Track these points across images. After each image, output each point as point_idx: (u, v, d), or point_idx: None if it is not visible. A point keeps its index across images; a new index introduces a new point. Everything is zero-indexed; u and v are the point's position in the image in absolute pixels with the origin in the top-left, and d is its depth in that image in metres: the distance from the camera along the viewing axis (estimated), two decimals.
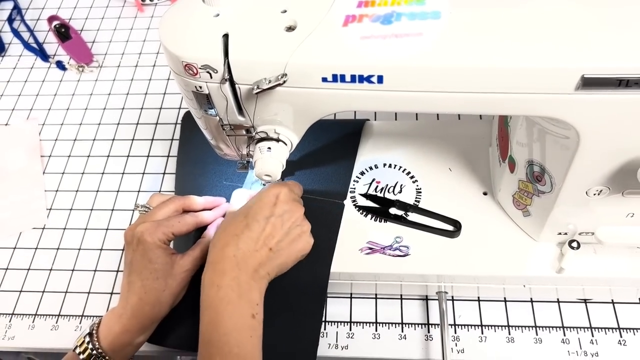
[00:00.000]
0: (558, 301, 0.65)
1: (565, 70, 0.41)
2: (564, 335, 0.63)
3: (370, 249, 0.62)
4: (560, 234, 0.59)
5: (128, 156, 0.84)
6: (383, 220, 0.65)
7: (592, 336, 0.62)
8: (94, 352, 0.54)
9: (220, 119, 0.53)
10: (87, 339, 0.55)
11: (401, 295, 0.67)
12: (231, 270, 0.52)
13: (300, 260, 0.61)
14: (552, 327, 0.63)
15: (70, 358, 0.55)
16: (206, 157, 0.73)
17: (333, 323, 0.66)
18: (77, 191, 0.81)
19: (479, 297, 0.66)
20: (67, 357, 0.56)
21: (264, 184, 0.67)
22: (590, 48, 0.41)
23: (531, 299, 0.65)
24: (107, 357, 0.54)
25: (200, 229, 0.64)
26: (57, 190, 0.81)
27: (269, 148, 0.52)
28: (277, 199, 0.57)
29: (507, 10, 0.44)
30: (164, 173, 0.81)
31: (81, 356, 0.54)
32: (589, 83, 0.41)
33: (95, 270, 0.73)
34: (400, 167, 0.69)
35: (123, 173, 0.82)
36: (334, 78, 0.45)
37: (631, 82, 0.41)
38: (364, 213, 0.65)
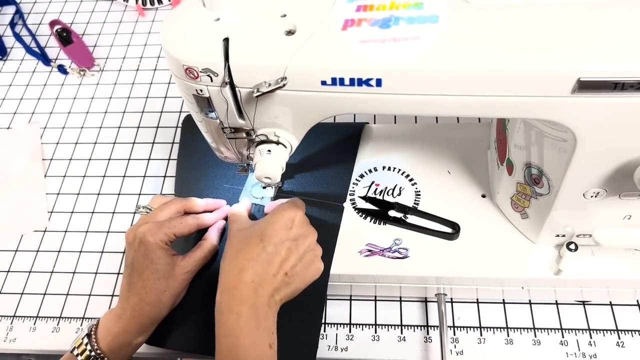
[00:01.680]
0: (556, 303, 0.65)
1: (562, 73, 0.42)
2: (563, 337, 0.63)
3: (370, 251, 0.63)
4: (558, 236, 0.60)
5: (129, 159, 0.84)
6: (382, 223, 0.65)
7: (591, 338, 0.63)
8: (92, 353, 0.54)
9: (221, 122, 0.54)
10: (85, 340, 0.55)
11: (400, 297, 0.67)
12: (249, 297, 0.50)
13: None
14: (551, 329, 0.64)
15: (67, 359, 0.55)
16: (206, 160, 0.73)
17: (333, 325, 0.66)
18: (78, 194, 0.81)
19: (477, 299, 0.66)
20: (64, 358, 0.56)
21: (264, 187, 0.68)
22: (586, 51, 0.42)
23: (530, 301, 0.66)
24: (105, 358, 0.54)
25: (201, 231, 0.64)
26: (58, 193, 0.82)
27: (269, 151, 0.53)
28: (293, 223, 0.55)
29: (504, 14, 0.44)
30: (164, 176, 0.81)
31: (79, 358, 0.54)
32: (585, 86, 0.42)
33: (96, 273, 0.73)
34: (400, 169, 0.69)
35: (124, 176, 0.83)
36: (333, 81, 0.46)
37: (627, 85, 0.41)
38: (364, 215, 0.66)
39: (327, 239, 0.64)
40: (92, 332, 0.55)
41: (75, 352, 0.54)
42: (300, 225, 0.55)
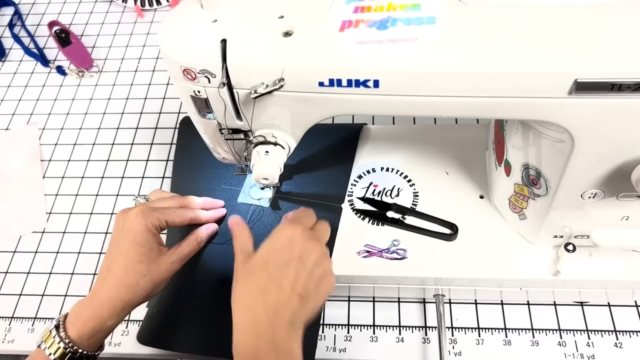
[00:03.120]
0: (554, 304, 0.65)
1: (559, 74, 0.42)
2: (561, 338, 0.63)
3: (368, 252, 0.63)
4: (556, 237, 0.60)
5: (127, 160, 0.84)
6: (380, 224, 0.65)
7: (589, 339, 0.63)
8: (61, 343, 0.51)
9: (219, 123, 0.54)
10: (54, 332, 0.52)
11: (399, 298, 0.67)
12: (265, 333, 0.46)
13: None
14: (549, 330, 0.64)
15: (36, 357, 0.52)
16: (205, 161, 0.73)
17: (331, 326, 0.66)
18: (76, 195, 0.81)
19: (476, 300, 0.66)
20: (32, 357, 0.52)
21: (262, 188, 0.68)
22: (583, 53, 0.42)
23: (528, 301, 0.66)
24: (75, 347, 0.51)
25: (191, 227, 0.64)
26: (56, 194, 0.82)
27: (267, 152, 0.53)
28: (293, 241, 0.51)
29: (501, 15, 0.44)
30: (163, 177, 0.81)
31: (47, 351, 0.51)
32: (582, 87, 0.42)
33: (94, 274, 0.73)
34: (398, 170, 0.69)
35: (122, 177, 0.83)
36: (331, 82, 0.46)
37: (623, 86, 0.41)
38: (362, 216, 0.66)
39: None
40: (61, 323, 0.52)
41: (43, 346, 0.51)
42: (302, 241, 0.51)
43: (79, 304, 0.54)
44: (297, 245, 0.50)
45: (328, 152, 0.73)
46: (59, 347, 0.51)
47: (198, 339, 0.61)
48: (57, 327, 0.52)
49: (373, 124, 0.79)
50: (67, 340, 0.51)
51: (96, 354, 0.54)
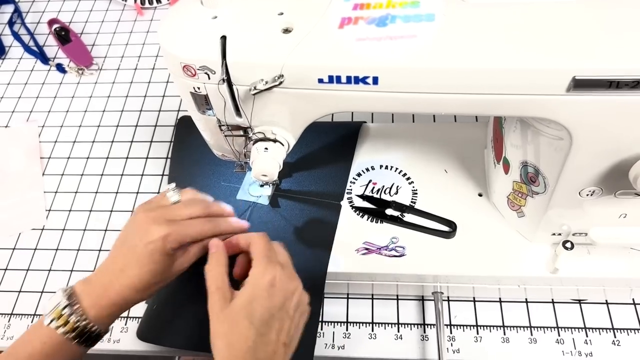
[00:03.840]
0: (552, 302, 0.66)
1: (557, 71, 0.42)
2: (559, 335, 0.63)
3: (367, 249, 0.63)
4: (554, 234, 0.60)
5: (127, 158, 0.85)
6: (379, 221, 0.65)
7: (587, 336, 0.63)
8: (79, 322, 0.50)
9: (218, 120, 0.54)
10: (67, 311, 0.51)
11: (397, 295, 0.68)
12: None
13: (298, 261, 0.62)
14: (547, 328, 0.64)
15: (42, 334, 0.51)
16: (203, 159, 0.73)
17: (330, 323, 0.66)
18: (76, 192, 0.81)
19: (474, 298, 0.66)
20: (36, 334, 0.52)
21: (261, 185, 0.68)
22: (581, 50, 0.42)
23: (526, 299, 0.66)
24: (93, 326, 0.51)
25: None
26: (56, 192, 0.82)
27: (266, 148, 0.53)
28: (275, 287, 0.50)
29: (499, 12, 0.45)
30: (162, 174, 0.82)
31: (60, 330, 0.50)
32: (580, 84, 0.42)
33: (94, 271, 0.73)
34: (397, 168, 0.69)
35: (122, 174, 0.83)
36: (330, 79, 0.46)
37: (621, 83, 0.41)
38: (361, 214, 0.66)
39: (325, 237, 0.64)
40: (74, 302, 0.52)
41: (54, 324, 0.50)
42: (282, 286, 0.50)
43: (91, 285, 0.53)
44: (278, 291, 0.50)
45: (327, 150, 0.73)
46: (77, 326, 0.51)
47: (198, 335, 0.61)
48: (69, 306, 0.51)
49: (372, 121, 0.79)
50: (85, 320, 0.51)
51: (107, 330, 0.55)
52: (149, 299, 0.56)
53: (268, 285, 0.49)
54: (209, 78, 0.48)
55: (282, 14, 0.48)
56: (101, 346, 0.66)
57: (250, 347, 0.47)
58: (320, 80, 0.46)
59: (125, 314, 0.68)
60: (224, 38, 0.47)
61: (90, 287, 0.54)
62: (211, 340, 0.48)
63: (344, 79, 0.46)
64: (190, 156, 0.76)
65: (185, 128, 0.82)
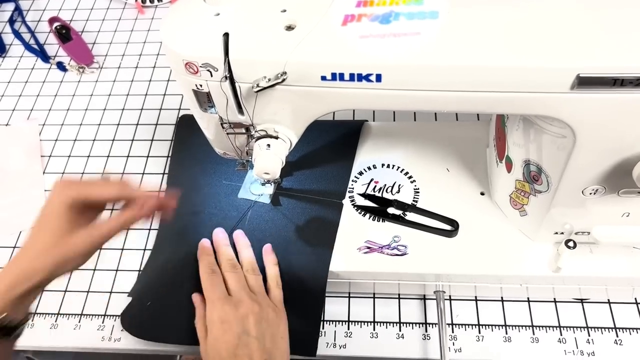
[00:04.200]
0: (555, 301, 0.65)
1: (561, 69, 0.42)
2: (561, 334, 0.63)
3: (369, 248, 0.63)
4: (556, 233, 0.60)
5: (128, 156, 0.84)
6: (381, 220, 0.65)
7: (589, 336, 0.63)
8: None
9: (220, 118, 0.54)
10: None
11: (399, 294, 0.67)
12: None
13: (300, 260, 0.62)
14: (549, 327, 0.64)
15: None
16: (204, 157, 0.73)
17: (331, 322, 0.66)
18: None
19: (476, 297, 0.66)
20: None
21: (263, 183, 0.68)
22: (585, 47, 0.42)
23: (528, 298, 0.66)
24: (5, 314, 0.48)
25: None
26: None
27: (268, 145, 0.53)
28: (225, 322, 0.55)
29: (504, 10, 0.45)
30: (163, 173, 0.81)
31: None
32: (584, 82, 0.42)
33: (94, 270, 0.73)
34: (399, 167, 0.69)
35: (123, 173, 0.82)
36: (333, 77, 0.46)
37: (626, 81, 0.41)
38: (363, 213, 0.66)
39: (326, 236, 0.64)
40: None
41: None
42: (232, 317, 0.55)
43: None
44: (231, 323, 0.55)
45: (329, 148, 0.73)
46: None
47: (188, 329, 0.61)
48: None
49: (374, 119, 0.79)
50: None
51: (22, 319, 0.51)
52: (46, 278, 0.50)
53: (220, 324, 0.55)
54: (212, 75, 0.48)
55: (285, 11, 0.48)
56: (102, 344, 0.67)
57: None
58: (323, 78, 0.46)
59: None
60: (226, 35, 0.47)
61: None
62: None
63: (347, 77, 0.45)
64: (190, 155, 0.76)
65: (185, 127, 0.82)
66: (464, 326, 0.65)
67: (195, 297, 0.61)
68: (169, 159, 0.81)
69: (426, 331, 0.65)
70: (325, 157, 0.71)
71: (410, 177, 0.68)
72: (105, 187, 0.52)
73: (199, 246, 0.64)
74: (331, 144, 0.73)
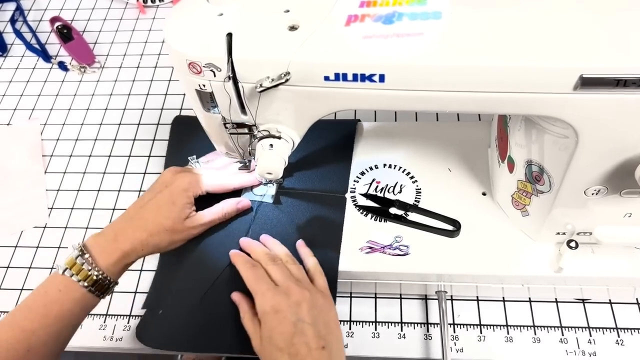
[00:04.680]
0: (556, 301, 0.65)
1: (564, 70, 0.42)
2: (562, 335, 0.63)
3: (370, 248, 0.63)
4: (558, 233, 0.60)
5: (129, 156, 0.84)
6: (383, 220, 0.65)
7: (590, 336, 0.63)
8: (92, 271, 0.55)
9: (223, 118, 0.54)
10: (80, 260, 0.55)
11: (401, 294, 0.67)
12: None
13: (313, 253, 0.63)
14: (551, 327, 0.64)
15: (57, 283, 0.55)
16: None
17: None
18: (78, 190, 0.81)
19: (478, 297, 0.66)
20: (52, 282, 0.55)
21: (265, 183, 0.68)
22: (588, 48, 0.42)
23: (529, 298, 0.66)
24: (104, 274, 0.56)
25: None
26: (58, 190, 0.82)
27: (271, 145, 0.53)
28: (279, 311, 0.53)
29: (507, 10, 0.45)
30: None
31: (74, 278, 0.54)
32: (587, 83, 0.42)
33: None
34: (400, 167, 0.69)
35: (124, 173, 0.82)
36: (336, 77, 0.46)
37: (629, 82, 0.41)
38: (364, 213, 0.66)
39: (333, 230, 0.64)
40: (85, 252, 0.56)
41: (68, 272, 0.54)
42: (285, 305, 0.54)
43: (100, 237, 0.58)
44: (285, 312, 0.53)
45: (326, 146, 0.72)
46: (89, 274, 0.55)
47: (217, 337, 0.61)
48: (81, 256, 0.55)
49: (375, 119, 0.79)
50: (96, 268, 0.55)
51: (117, 282, 0.59)
52: (158, 250, 0.61)
53: (273, 314, 0.53)
54: (215, 75, 0.48)
55: (288, 11, 0.48)
56: (103, 344, 0.67)
57: None
58: (327, 78, 0.46)
59: (127, 312, 0.68)
60: (229, 35, 0.47)
61: (101, 237, 0.58)
62: None
63: (350, 77, 0.46)
64: (189, 154, 0.76)
65: (180, 127, 0.82)
66: (465, 326, 0.65)
67: (236, 295, 0.60)
68: (165, 160, 0.80)
69: (428, 331, 0.65)
70: (323, 156, 0.71)
71: (412, 177, 0.68)
72: (217, 181, 0.65)
73: (230, 255, 0.63)
74: (327, 142, 0.73)
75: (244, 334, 0.56)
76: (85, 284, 0.54)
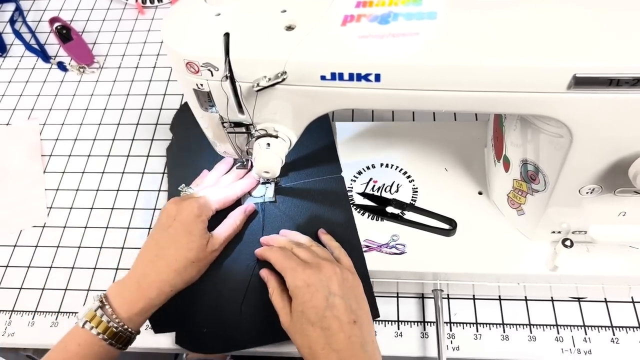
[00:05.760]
0: (552, 299, 0.66)
1: (558, 69, 0.42)
2: (558, 333, 0.64)
3: (367, 247, 0.63)
4: (554, 232, 0.60)
5: (128, 156, 0.85)
6: (380, 219, 0.66)
7: (586, 334, 0.63)
8: (112, 323, 0.53)
9: (221, 117, 0.54)
10: (100, 312, 0.53)
11: (397, 293, 0.68)
12: None
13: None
14: (546, 325, 0.64)
15: (77, 336, 0.53)
16: (205, 157, 0.73)
17: None
18: (77, 190, 0.82)
19: (474, 295, 0.67)
20: (72, 336, 0.54)
21: (263, 183, 0.68)
22: (582, 48, 0.42)
23: (525, 297, 0.66)
24: (126, 326, 0.54)
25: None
26: (57, 189, 0.82)
27: (268, 144, 0.53)
28: (310, 285, 0.53)
29: (501, 11, 0.45)
30: (163, 173, 0.82)
31: (93, 331, 0.53)
32: (580, 82, 0.42)
33: (94, 268, 0.73)
34: (397, 166, 0.70)
35: (123, 172, 0.83)
36: (333, 76, 0.46)
37: (622, 81, 0.42)
38: (361, 211, 0.66)
39: (342, 207, 0.66)
40: (105, 304, 0.54)
41: (88, 325, 0.53)
42: (316, 280, 0.53)
43: (122, 285, 0.56)
44: (316, 286, 0.53)
45: (306, 137, 0.72)
46: (109, 327, 0.53)
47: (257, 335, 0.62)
48: (101, 307, 0.54)
49: (373, 119, 0.79)
50: (117, 320, 0.54)
51: (139, 331, 0.57)
52: (188, 283, 0.59)
53: (306, 287, 0.53)
54: (212, 75, 0.49)
55: (285, 11, 0.48)
56: None
57: (325, 343, 0.50)
58: (323, 78, 0.47)
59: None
60: (227, 35, 0.47)
61: (123, 287, 0.56)
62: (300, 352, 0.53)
63: (346, 76, 0.46)
64: (189, 154, 0.76)
65: (182, 123, 0.82)
66: (461, 324, 0.65)
67: (264, 271, 0.60)
68: (167, 157, 0.81)
69: (424, 329, 0.65)
70: (306, 146, 0.71)
71: (408, 177, 0.69)
72: (223, 194, 0.65)
73: (256, 254, 0.63)
74: (305, 133, 0.73)
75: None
76: (105, 336, 0.53)
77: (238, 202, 0.68)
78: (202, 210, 0.60)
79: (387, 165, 0.70)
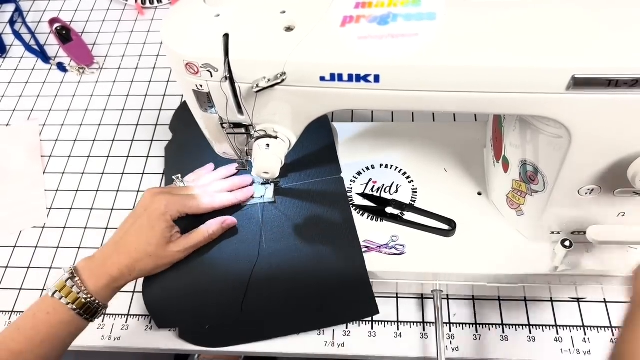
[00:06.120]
0: (551, 300, 0.66)
1: (557, 70, 0.42)
2: (557, 333, 0.64)
3: (367, 247, 0.63)
4: (553, 233, 0.60)
5: (128, 157, 0.85)
6: (379, 220, 0.66)
7: (585, 335, 0.63)
8: (81, 294, 0.55)
9: (220, 118, 0.54)
10: (70, 283, 0.55)
11: (397, 293, 0.68)
12: None
13: (330, 236, 0.64)
14: (546, 326, 0.64)
15: (47, 305, 0.55)
16: (204, 157, 0.73)
17: None
18: (77, 191, 0.82)
19: (473, 296, 0.67)
20: (39, 304, 0.55)
21: (262, 183, 0.68)
22: (581, 49, 0.42)
23: (525, 297, 0.66)
24: (93, 297, 0.56)
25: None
26: (57, 190, 0.82)
27: (268, 145, 0.53)
28: None
29: (500, 11, 0.45)
30: (162, 173, 0.82)
31: (63, 300, 0.55)
32: (579, 83, 0.42)
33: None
34: (397, 167, 0.70)
35: (123, 173, 0.83)
36: (332, 77, 0.46)
37: (621, 82, 0.42)
38: (361, 212, 0.66)
39: (342, 208, 0.66)
40: (75, 276, 0.56)
41: (58, 295, 0.55)
42: None
43: (90, 262, 0.58)
44: None
45: (305, 138, 0.72)
46: (78, 297, 0.55)
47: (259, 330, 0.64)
48: (71, 279, 0.56)
49: (372, 120, 0.79)
50: (85, 292, 0.56)
51: (106, 305, 0.59)
52: (145, 274, 0.62)
53: None
54: (212, 76, 0.49)
55: (284, 12, 0.48)
56: (102, 343, 0.67)
57: None
58: (322, 78, 0.47)
59: (125, 311, 0.69)
60: (226, 36, 0.47)
61: (91, 262, 0.58)
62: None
63: (345, 77, 0.46)
64: (188, 154, 0.76)
65: (181, 122, 0.82)
66: (461, 325, 0.65)
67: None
68: (165, 156, 0.81)
69: (424, 330, 0.65)
70: (306, 146, 0.71)
71: (408, 177, 0.69)
72: (198, 202, 0.64)
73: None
74: (305, 134, 0.73)
75: (283, 320, 0.63)
76: (74, 306, 0.55)
77: (238, 206, 0.68)
78: (169, 209, 0.61)
79: (386, 166, 0.70)
